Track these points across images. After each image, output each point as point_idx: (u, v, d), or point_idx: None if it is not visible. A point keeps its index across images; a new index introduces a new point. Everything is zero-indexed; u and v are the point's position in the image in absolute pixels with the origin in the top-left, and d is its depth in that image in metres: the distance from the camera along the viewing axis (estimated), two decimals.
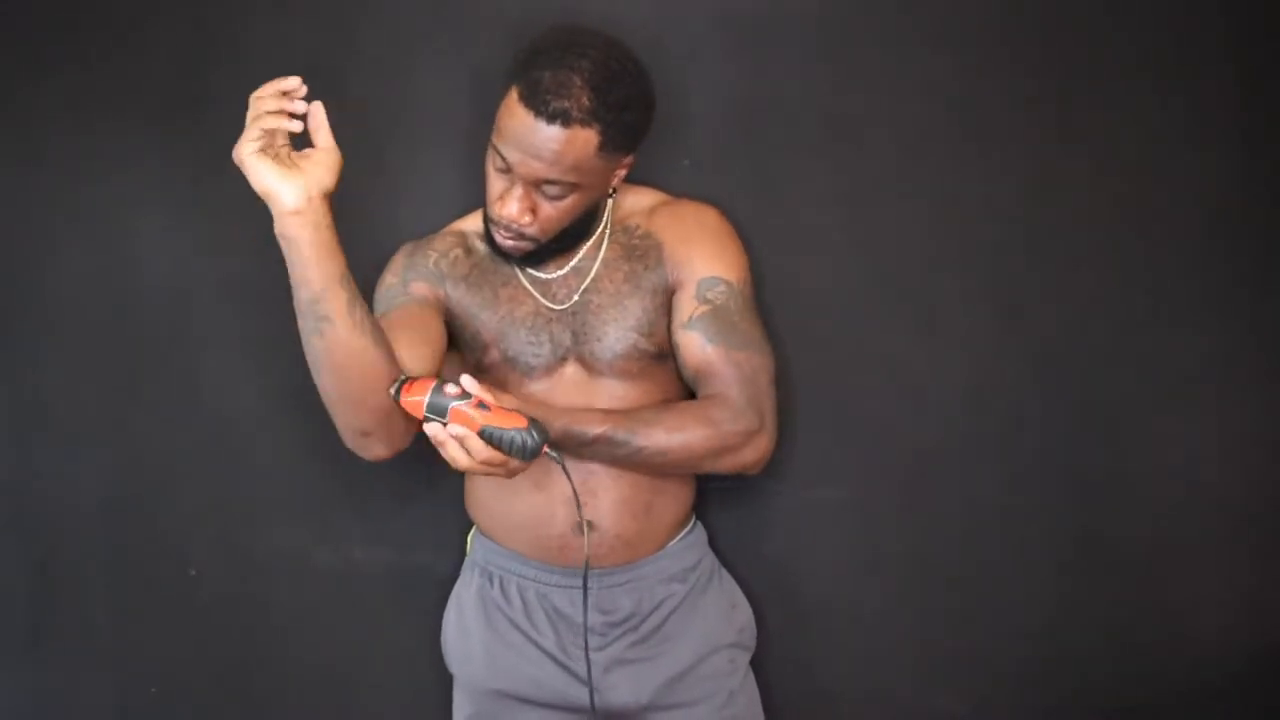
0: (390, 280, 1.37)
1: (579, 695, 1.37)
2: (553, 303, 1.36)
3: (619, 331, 1.34)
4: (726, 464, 1.32)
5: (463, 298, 1.36)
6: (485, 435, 1.14)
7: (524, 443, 1.14)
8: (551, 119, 1.18)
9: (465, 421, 1.14)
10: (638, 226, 1.38)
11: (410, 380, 1.17)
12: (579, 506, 1.27)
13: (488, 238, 1.33)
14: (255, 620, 1.61)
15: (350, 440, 1.24)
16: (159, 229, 1.54)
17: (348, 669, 1.60)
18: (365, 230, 1.49)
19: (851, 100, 1.48)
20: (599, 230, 1.37)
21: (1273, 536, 1.52)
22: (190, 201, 1.53)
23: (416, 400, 1.15)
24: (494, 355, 1.35)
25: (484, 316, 1.35)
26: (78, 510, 1.59)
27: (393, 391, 1.17)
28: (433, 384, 1.16)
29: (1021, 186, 1.48)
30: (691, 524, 1.46)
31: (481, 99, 1.47)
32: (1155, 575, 1.53)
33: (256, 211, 1.49)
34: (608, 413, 1.30)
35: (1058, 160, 1.47)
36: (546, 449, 1.17)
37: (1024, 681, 1.56)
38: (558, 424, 1.25)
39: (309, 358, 1.17)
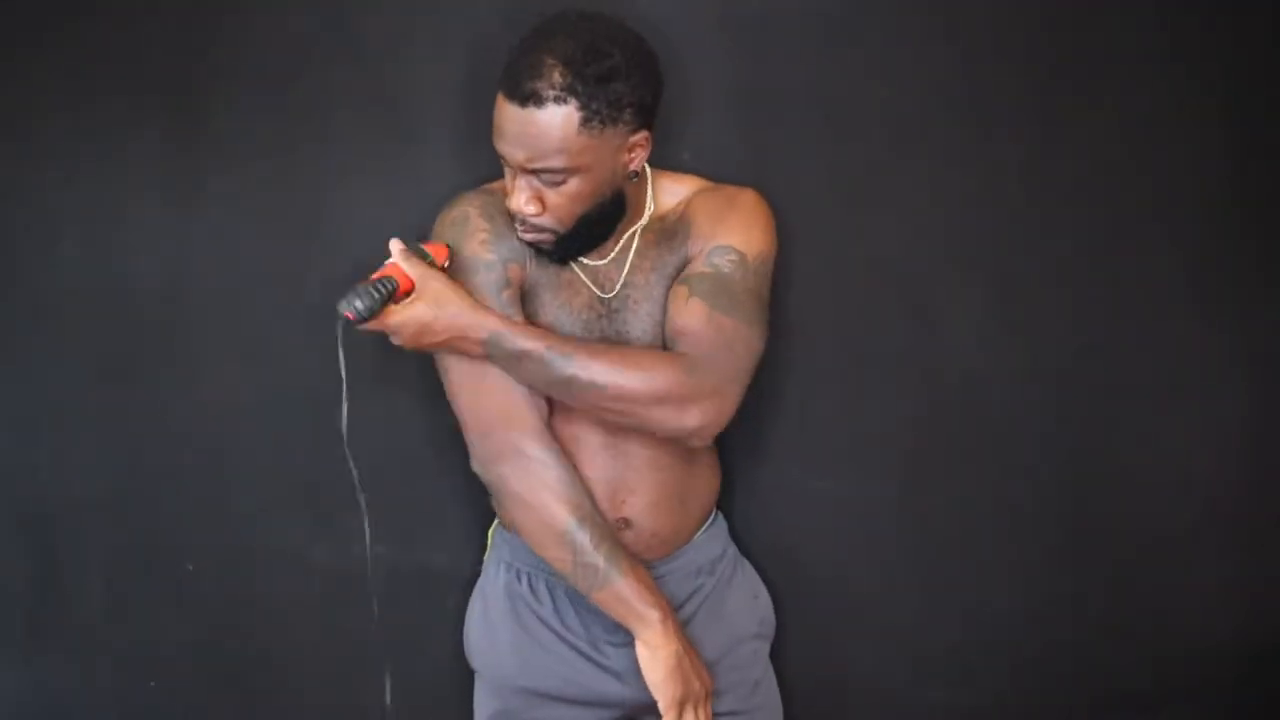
0: (487, 256, 1.28)
1: (610, 690, 1.37)
2: (602, 292, 1.32)
3: (653, 324, 1.31)
4: (665, 419, 1.23)
5: (535, 273, 1.30)
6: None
7: (349, 297, 1.18)
8: (525, 101, 1.15)
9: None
10: (675, 214, 1.34)
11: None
12: (344, 410, 1.25)
13: None
14: (254, 615, 1.61)
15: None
16: (158, 223, 1.53)
17: (346, 664, 1.60)
18: (363, 223, 1.50)
19: (851, 93, 1.48)
20: (641, 221, 1.33)
21: (1267, 531, 1.55)
22: (190, 194, 1.52)
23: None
24: None
25: (546, 298, 1.31)
26: (76, 505, 1.59)
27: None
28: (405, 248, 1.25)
29: (1020, 180, 1.49)
30: (714, 514, 1.46)
31: (481, 89, 1.46)
32: (1151, 568, 1.56)
33: (255, 206, 1.52)
34: (552, 334, 1.26)
35: (1057, 155, 1.48)
36: (344, 315, 1.18)
37: (1022, 671, 1.59)
38: (485, 323, 1.23)
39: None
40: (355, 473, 1.26)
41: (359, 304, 1.18)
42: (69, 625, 1.61)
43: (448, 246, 1.28)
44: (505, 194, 1.25)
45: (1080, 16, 1.45)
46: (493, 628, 1.41)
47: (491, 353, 1.24)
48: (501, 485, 1.29)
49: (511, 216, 1.26)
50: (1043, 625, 1.57)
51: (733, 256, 1.29)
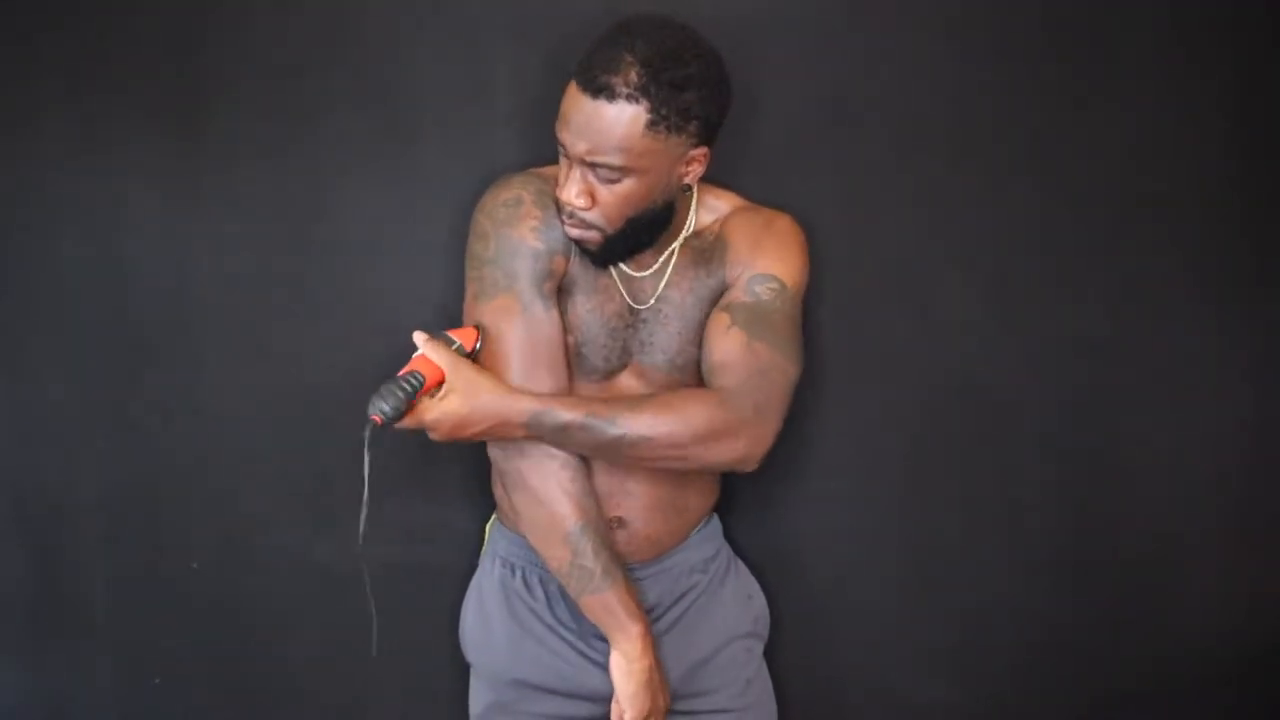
0: (536, 245, 1.26)
1: (600, 684, 1.37)
2: (635, 303, 1.32)
3: (682, 344, 1.31)
4: (717, 453, 1.25)
5: (575, 270, 1.30)
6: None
7: (375, 399, 1.16)
8: (597, 93, 1.15)
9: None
10: (712, 232, 1.34)
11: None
12: (363, 516, 1.22)
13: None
14: (257, 613, 1.61)
15: None
16: (159, 224, 1.53)
17: (348, 661, 1.59)
18: (362, 223, 1.51)
19: (851, 93, 1.48)
20: (681, 237, 1.32)
21: (1267, 531, 1.55)
22: (190, 195, 1.52)
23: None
24: (568, 341, 1.30)
25: (579, 299, 1.30)
26: (76, 505, 1.59)
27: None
28: (438, 340, 1.23)
29: (1021, 180, 1.49)
30: (710, 516, 1.47)
31: (480, 90, 1.48)
32: (1151, 566, 1.56)
33: (256, 206, 1.52)
34: (589, 399, 1.26)
35: (1057, 156, 1.48)
36: (372, 419, 1.16)
37: (1022, 671, 1.59)
38: (523, 406, 1.22)
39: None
40: (368, 581, 1.26)
41: (385, 406, 1.15)
42: (69, 625, 1.62)
43: (477, 329, 1.25)
44: (556, 183, 1.25)
45: (1081, 16, 1.45)
46: (488, 621, 1.42)
47: (535, 432, 1.24)
48: (518, 478, 1.29)
49: (559, 207, 1.26)
50: (1043, 625, 1.57)
51: (774, 285, 1.30)
